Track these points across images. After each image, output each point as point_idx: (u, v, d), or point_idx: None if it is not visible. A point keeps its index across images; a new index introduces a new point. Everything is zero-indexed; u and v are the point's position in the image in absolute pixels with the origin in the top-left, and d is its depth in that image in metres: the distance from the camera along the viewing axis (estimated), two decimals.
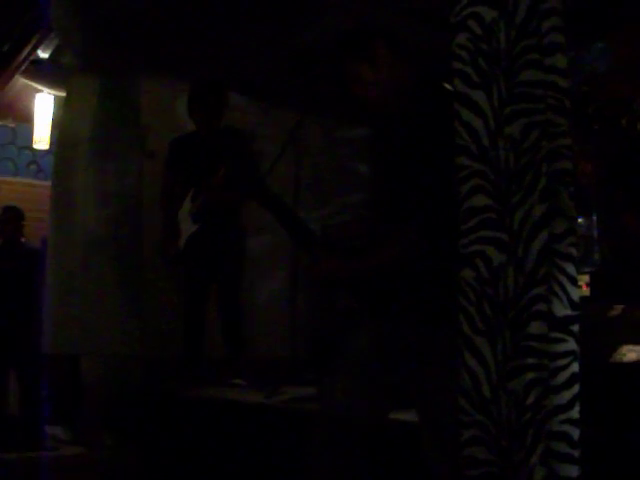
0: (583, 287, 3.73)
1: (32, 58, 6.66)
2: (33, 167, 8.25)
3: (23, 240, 6.70)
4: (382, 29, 2.60)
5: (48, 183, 6.06)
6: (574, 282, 2.01)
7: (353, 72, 2.58)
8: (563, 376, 1.95)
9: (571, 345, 1.97)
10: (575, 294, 2.01)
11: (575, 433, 1.95)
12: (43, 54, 6.65)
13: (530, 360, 1.94)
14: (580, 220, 3.96)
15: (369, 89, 2.56)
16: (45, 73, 6.91)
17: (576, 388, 1.96)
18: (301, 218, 2.71)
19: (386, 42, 2.56)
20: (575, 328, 1.98)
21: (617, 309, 3.17)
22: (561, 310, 1.97)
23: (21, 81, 7.27)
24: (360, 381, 2.49)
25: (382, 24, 2.67)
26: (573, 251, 2.02)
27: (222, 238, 4.82)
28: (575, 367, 1.97)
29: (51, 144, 7.48)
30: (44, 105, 7.52)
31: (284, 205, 2.69)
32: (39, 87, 7.40)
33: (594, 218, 4.04)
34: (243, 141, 4.89)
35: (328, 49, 2.70)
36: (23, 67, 6.81)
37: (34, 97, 7.54)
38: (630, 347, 2.89)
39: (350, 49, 2.59)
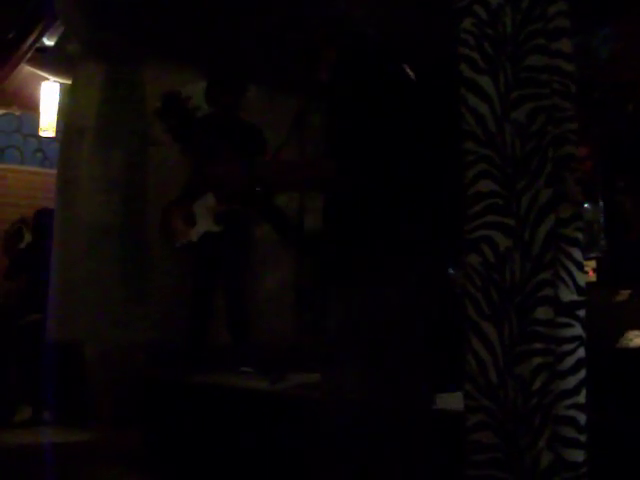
0: (590, 273, 3.73)
1: (37, 46, 6.65)
2: (39, 155, 8.24)
3: None
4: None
5: (54, 171, 6.06)
6: (580, 267, 2.01)
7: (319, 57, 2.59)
8: (570, 361, 1.95)
9: (577, 330, 1.97)
10: (581, 279, 2.01)
11: (582, 418, 1.95)
12: (48, 42, 6.63)
13: (537, 345, 1.94)
14: (586, 205, 3.96)
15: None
16: (50, 61, 6.89)
17: (582, 373, 1.97)
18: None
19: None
20: (581, 313, 1.98)
21: (623, 294, 3.16)
22: (567, 295, 1.97)
23: (26, 69, 7.26)
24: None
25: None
26: (579, 236, 2.02)
27: (237, 237, 4.80)
28: (581, 352, 1.97)
29: (57, 132, 7.48)
30: (50, 93, 7.52)
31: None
32: (45, 75, 7.39)
33: (600, 203, 4.03)
34: (260, 141, 4.86)
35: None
36: (28, 55, 6.80)
37: (40, 85, 7.53)
38: (636, 332, 2.89)
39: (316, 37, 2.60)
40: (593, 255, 3.81)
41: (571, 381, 1.95)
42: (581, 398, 1.97)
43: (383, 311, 2.36)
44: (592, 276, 3.76)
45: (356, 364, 2.45)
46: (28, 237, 6.60)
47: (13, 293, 6.42)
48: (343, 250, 2.44)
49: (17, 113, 8.09)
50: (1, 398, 5.88)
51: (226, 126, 4.81)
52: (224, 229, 4.70)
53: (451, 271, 3.45)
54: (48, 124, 7.66)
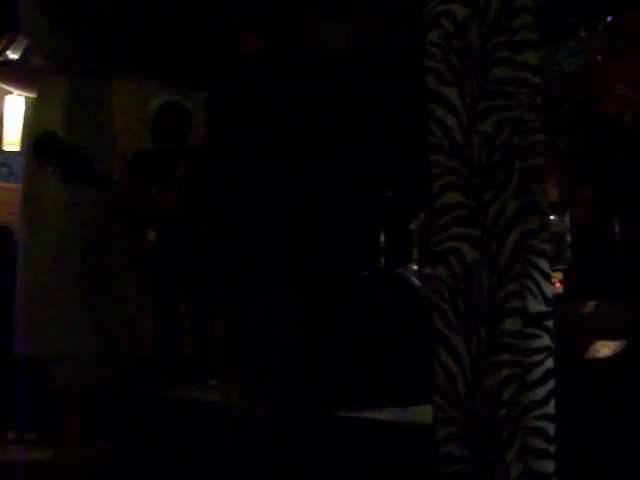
0: (556, 284, 3.75)
1: (1, 59, 6.60)
2: (4, 169, 8.16)
3: None
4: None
5: (19, 186, 6.01)
6: (548, 278, 2.02)
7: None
8: (538, 372, 1.96)
9: (546, 341, 1.98)
10: (549, 290, 2.01)
11: (551, 428, 1.96)
12: (13, 55, 6.58)
13: (505, 356, 1.95)
14: (552, 217, 3.98)
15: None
16: (15, 74, 6.84)
17: (551, 383, 1.97)
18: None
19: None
20: (549, 324, 1.99)
21: (590, 305, 3.18)
22: (535, 306, 1.97)
23: None
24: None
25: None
26: (547, 247, 2.03)
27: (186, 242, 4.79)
28: (550, 363, 1.97)
29: (22, 146, 7.41)
30: (14, 107, 7.45)
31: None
32: (8, 89, 7.33)
33: (566, 215, 4.06)
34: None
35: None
36: None
37: (3, 99, 7.47)
38: (603, 342, 2.91)
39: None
40: (559, 267, 3.83)
41: (540, 392, 1.96)
42: (550, 408, 1.97)
43: (279, 323, 2.36)
44: (559, 287, 3.78)
45: (254, 379, 2.42)
46: None
47: None
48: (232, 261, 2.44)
49: None
50: None
51: (169, 160, 4.85)
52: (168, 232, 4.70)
53: (418, 283, 3.47)
54: (12, 138, 7.59)
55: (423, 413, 2.62)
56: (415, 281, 3.40)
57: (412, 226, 4.32)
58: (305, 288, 2.37)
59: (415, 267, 4.16)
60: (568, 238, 4.00)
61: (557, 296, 2.11)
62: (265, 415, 2.35)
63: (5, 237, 6.46)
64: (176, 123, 5.01)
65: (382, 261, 3.94)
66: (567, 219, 4.08)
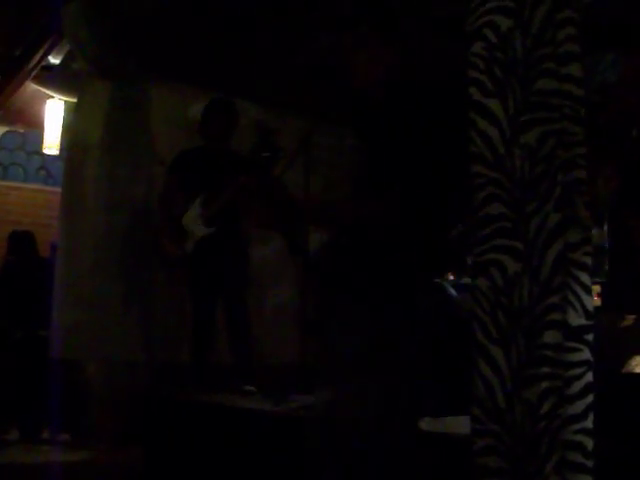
0: (595, 297, 3.72)
1: (43, 64, 6.68)
2: (42, 173, 8.26)
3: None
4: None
5: (57, 189, 6.08)
6: (589, 291, 2.01)
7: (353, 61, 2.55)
8: (578, 385, 1.94)
9: (585, 354, 1.97)
10: (590, 303, 2.00)
11: (589, 443, 1.94)
12: (54, 60, 6.66)
13: (545, 369, 1.94)
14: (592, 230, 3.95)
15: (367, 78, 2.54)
16: (56, 79, 6.92)
17: (590, 398, 1.96)
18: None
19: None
20: (589, 337, 1.98)
21: (629, 319, 3.16)
22: (576, 319, 1.96)
23: (32, 87, 7.28)
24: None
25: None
26: (588, 260, 2.02)
27: (232, 244, 4.82)
28: (589, 376, 1.96)
29: (60, 150, 7.50)
30: (54, 111, 7.54)
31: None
32: (50, 93, 7.42)
33: (605, 228, 4.03)
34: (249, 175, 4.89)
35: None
36: (34, 73, 6.82)
37: (44, 103, 7.56)
38: None
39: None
40: (598, 279, 3.80)
41: (579, 406, 1.95)
42: (589, 423, 1.96)
43: (383, 330, 2.36)
44: (597, 300, 3.76)
45: (351, 383, 2.43)
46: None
47: None
48: (345, 268, 2.44)
49: (21, 130, 8.13)
50: None
51: (216, 159, 4.85)
52: (217, 230, 4.71)
53: (455, 294, 3.45)
54: (52, 142, 7.68)
55: (459, 424, 2.62)
56: (452, 291, 3.38)
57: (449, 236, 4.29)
58: (409, 302, 2.40)
59: (452, 277, 4.15)
60: (607, 250, 3.97)
61: (595, 309, 2.09)
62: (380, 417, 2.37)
63: (30, 242, 6.56)
64: (226, 120, 4.99)
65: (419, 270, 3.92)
66: (606, 231, 4.05)
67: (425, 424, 2.66)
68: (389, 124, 2.40)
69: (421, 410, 2.47)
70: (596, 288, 3.77)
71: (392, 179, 2.33)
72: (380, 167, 2.40)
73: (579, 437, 1.94)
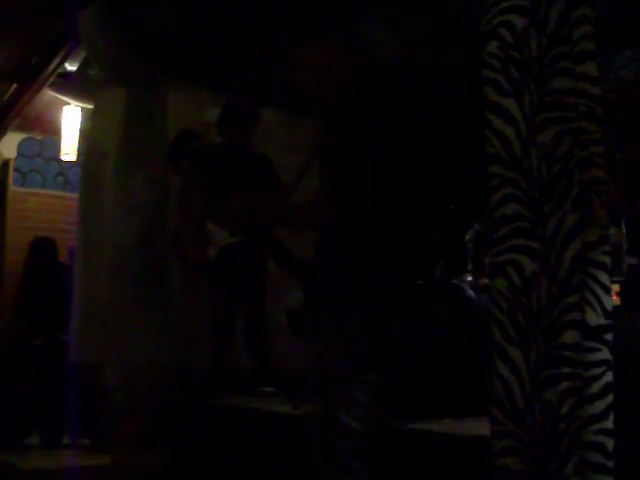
0: (613, 296, 3.69)
1: (60, 71, 6.70)
2: (60, 179, 8.28)
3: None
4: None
5: (76, 195, 6.10)
6: (607, 291, 2.00)
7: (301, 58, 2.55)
8: (597, 386, 1.93)
9: (605, 354, 1.95)
10: (608, 303, 1.99)
11: (609, 443, 1.93)
12: (71, 67, 6.68)
13: (564, 369, 1.93)
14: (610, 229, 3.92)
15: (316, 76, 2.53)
16: (73, 85, 6.94)
17: (610, 398, 1.95)
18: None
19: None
20: (609, 337, 1.97)
21: None
22: (595, 319, 1.95)
23: (49, 94, 7.30)
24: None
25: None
26: (606, 260, 2.01)
27: (253, 253, 4.81)
28: (609, 376, 1.95)
29: (78, 156, 7.52)
30: (71, 117, 7.56)
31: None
32: (66, 99, 7.44)
33: (623, 227, 4.00)
34: (269, 171, 4.89)
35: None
36: (51, 80, 6.85)
37: (61, 109, 7.58)
38: None
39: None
40: (617, 279, 3.78)
41: (599, 406, 1.93)
42: (609, 423, 1.95)
43: (375, 331, 2.34)
44: (616, 300, 3.73)
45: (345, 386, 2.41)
46: None
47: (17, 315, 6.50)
48: (330, 270, 2.42)
49: (39, 137, 8.15)
50: (11, 420, 5.88)
51: (235, 157, 4.85)
52: (241, 240, 4.71)
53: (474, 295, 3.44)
54: (70, 148, 7.70)
55: (479, 425, 2.60)
56: (470, 292, 3.38)
57: (466, 237, 4.30)
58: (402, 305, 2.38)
59: (469, 278, 4.14)
60: (625, 249, 3.95)
61: (614, 308, 2.08)
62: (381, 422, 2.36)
63: (51, 248, 6.59)
64: (245, 119, 4.98)
65: (437, 272, 3.92)
66: (624, 230, 4.03)
67: (445, 426, 2.65)
68: (345, 123, 2.39)
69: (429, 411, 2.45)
70: (615, 287, 3.75)
71: (360, 179, 2.31)
72: (349, 166, 2.39)
73: (599, 437, 1.93)
